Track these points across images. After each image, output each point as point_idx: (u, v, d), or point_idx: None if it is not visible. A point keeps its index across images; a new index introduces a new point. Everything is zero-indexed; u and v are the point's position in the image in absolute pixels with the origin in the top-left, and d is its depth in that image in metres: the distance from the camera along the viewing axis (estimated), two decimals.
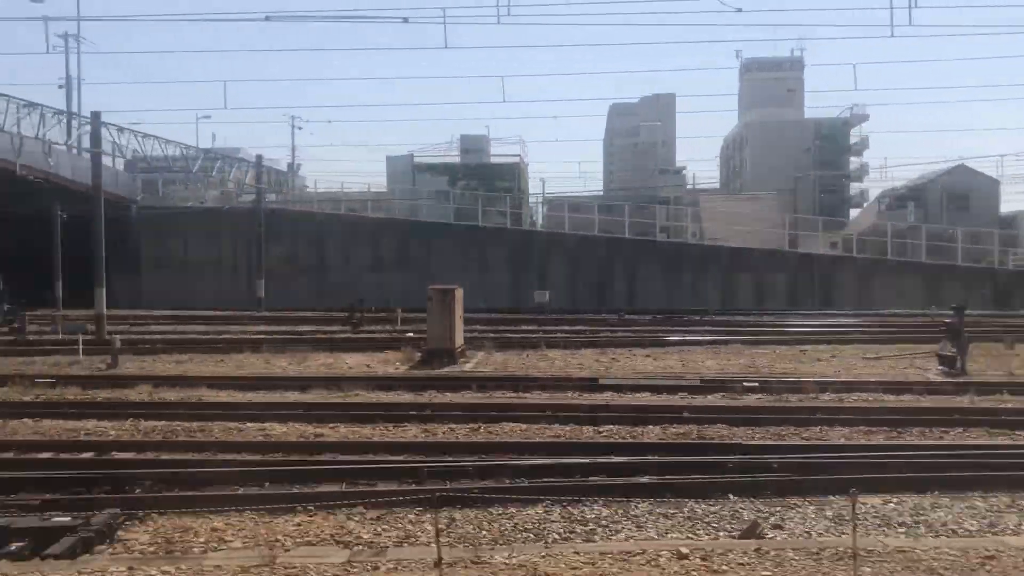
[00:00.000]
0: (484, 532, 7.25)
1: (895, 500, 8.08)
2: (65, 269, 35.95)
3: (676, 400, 14.01)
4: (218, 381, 15.85)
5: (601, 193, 66.77)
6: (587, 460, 9.28)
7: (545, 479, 8.69)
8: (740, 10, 23.88)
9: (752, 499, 8.13)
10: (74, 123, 33.91)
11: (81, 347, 19.90)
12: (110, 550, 6.82)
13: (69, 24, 50.63)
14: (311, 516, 7.56)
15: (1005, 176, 59.81)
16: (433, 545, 6.11)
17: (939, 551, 6.39)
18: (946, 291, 35.40)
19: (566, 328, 26.24)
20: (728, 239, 41.61)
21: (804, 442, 10.55)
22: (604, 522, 7.56)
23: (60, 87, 51.76)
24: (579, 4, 65.17)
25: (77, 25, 50.19)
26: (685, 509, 7.87)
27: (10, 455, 10.11)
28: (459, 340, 19.67)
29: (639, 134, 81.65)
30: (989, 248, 41.49)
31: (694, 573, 5.94)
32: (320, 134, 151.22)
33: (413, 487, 8.23)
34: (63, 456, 10.02)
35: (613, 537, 7.17)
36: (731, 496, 8.25)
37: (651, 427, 11.57)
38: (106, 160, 37.96)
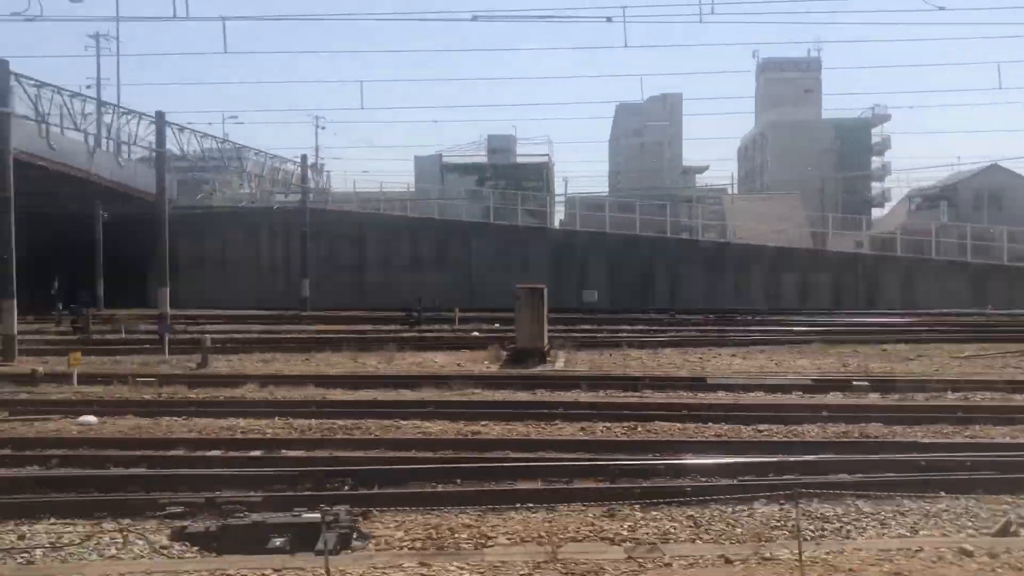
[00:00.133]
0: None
1: None
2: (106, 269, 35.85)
3: (797, 399, 13.97)
4: (325, 380, 15.82)
5: (607, 192, 66.65)
6: (795, 459, 9.19)
7: (761, 477, 8.61)
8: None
9: (961, 496, 8.07)
10: (121, 120, 33.47)
11: (167, 347, 19.84)
12: (372, 545, 6.75)
13: (99, 24, 50.47)
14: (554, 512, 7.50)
15: None
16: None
17: None
18: (992, 290, 35.41)
19: (627, 328, 26.15)
20: (751, 239, 41.18)
21: (988, 441, 10.49)
22: (833, 520, 7.51)
23: (88, 87, 51.51)
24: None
25: (116, 26, 50.11)
26: (914, 506, 7.83)
27: (180, 452, 10.06)
28: (546, 340, 19.59)
29: (645, 134, 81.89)
30: None
31: (999, 570, 5.90)
32: (342, 134, 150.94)
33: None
34: (232, 454, 9.99)
35: (861, 536, 7.12)
36: (942, 493, 8.22)
37: (807, 426, 11.52)
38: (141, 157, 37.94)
